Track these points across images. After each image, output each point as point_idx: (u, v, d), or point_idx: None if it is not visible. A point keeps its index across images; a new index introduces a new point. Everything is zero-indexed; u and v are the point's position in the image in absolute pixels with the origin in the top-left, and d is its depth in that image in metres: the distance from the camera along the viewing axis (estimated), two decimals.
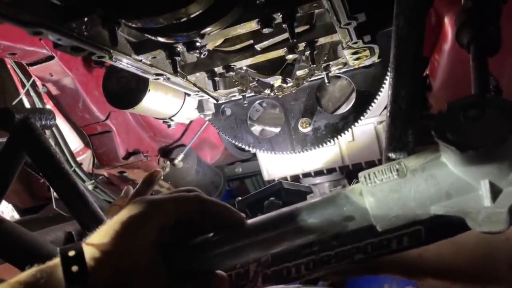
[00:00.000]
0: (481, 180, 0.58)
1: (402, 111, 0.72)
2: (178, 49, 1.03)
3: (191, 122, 2.12)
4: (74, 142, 2.32)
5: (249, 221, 0.72)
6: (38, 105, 2.18)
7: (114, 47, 0.91)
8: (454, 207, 0.61)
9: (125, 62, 1.05)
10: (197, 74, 1.29)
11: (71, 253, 0.60)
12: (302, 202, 0.70)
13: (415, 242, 0.84)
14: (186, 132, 2.23)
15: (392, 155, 0.72)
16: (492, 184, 0.58)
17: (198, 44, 0.98)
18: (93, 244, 0.62)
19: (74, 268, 0.59)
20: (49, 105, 2.22)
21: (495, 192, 0.58)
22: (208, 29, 0.85)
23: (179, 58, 1.05)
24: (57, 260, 0.61)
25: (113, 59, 0.98)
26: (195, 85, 1.30)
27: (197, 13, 0.74)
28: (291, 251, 0.93)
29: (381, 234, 0.84)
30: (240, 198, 1.61)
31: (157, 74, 1.18)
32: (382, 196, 0.63)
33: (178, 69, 1.10)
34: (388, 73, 1.37)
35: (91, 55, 0.94)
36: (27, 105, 2.33)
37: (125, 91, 1.34)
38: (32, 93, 2.17)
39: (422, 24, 0.74)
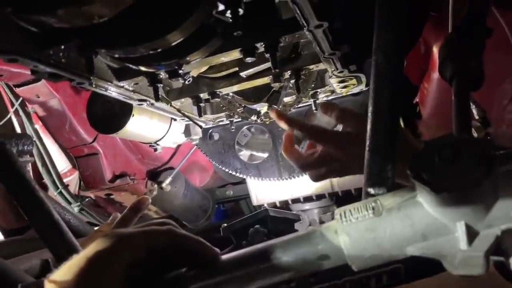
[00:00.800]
0: (457, 222, 0.56)
1: (381, 147, 0.71)
2: (161, 76, 1.02)
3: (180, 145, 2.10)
4: (62, 163, 2.30)
5: (224, 257, 0.70)
6: (27, 125, 2.17)
7: (92, 75, 0.89)
8: (430, 249, 0.59)
9: (106, 88, 1.03)
10: (182, 100, 1.28)
11: None
12: (278, 239, 0.68)
13: (395, 281, 0.81)
14: (175, 155, 2.21)
15: (371, 190, 0.71)
16: (468, 226, 0.56)
17: (180, 71, 0.97)
18: (55, 281, 0.59)
19: None
20: (38, 125, 2.20)
21: (471, 234, 0.56)
22: (187, 59, 0.84)
23: (162, 84, 1.04)
24: None
25: (93, 86, 0.97)
26: (179, 111, 1.29)
27: (174, 43, 0.73)
28: (267, 287, 0.90)
29: (359, 272, 0.82)
30: (225, 224, 1.59)
31: (140, 100, 1.17)
32: (357, 235, 0.61)
33: (162, 95, 1.09)
34: None
35: (71, 81, 0.93)
36: (16, 125, 2.32)
37: (109, 115, 1.32)
38: (21, 112, 2.16)
39: (401, 60, 0.73)
